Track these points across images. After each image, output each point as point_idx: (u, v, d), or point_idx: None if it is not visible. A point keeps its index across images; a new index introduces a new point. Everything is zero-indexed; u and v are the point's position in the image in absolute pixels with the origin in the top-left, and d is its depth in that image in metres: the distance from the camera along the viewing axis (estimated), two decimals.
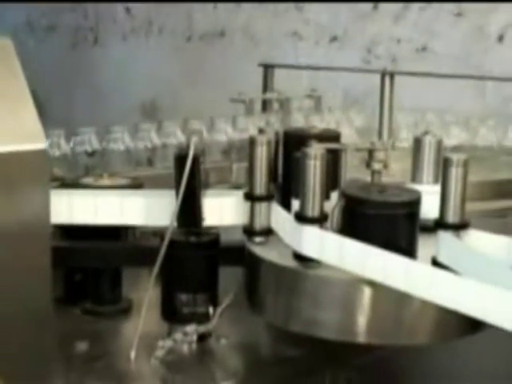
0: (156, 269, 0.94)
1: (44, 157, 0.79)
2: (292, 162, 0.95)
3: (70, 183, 1.04)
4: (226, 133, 1.25)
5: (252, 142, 0.96)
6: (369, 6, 1.69)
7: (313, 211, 0.89)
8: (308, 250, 0.89)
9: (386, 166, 0.98)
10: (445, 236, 0.89)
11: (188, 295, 0.97)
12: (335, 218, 0.92)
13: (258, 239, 0.97)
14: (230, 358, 0.99)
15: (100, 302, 1.07)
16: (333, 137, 1.03)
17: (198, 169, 0.93)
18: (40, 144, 0.79)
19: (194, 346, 0.98)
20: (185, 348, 0.98)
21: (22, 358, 0.82)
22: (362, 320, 0.89)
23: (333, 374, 1.01)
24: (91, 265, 1.03)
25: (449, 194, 0.89)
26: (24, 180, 0.77)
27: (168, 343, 0.96)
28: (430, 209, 0.92)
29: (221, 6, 1.89)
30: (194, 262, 0.97)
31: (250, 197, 0.96)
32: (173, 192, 0.95)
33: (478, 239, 0.91)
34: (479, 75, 1.28)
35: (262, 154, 0.96)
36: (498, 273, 0.82)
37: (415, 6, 1.65)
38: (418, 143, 1.03)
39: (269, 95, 1.33)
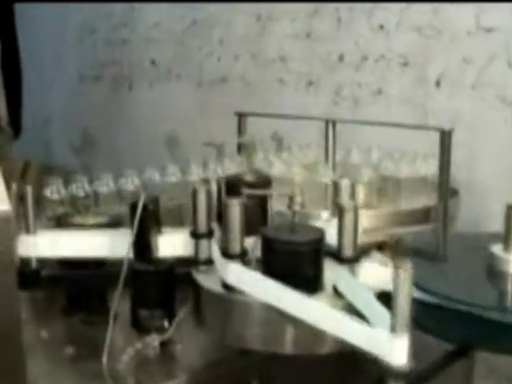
0: (119, 291, 0.94)
1: (7, 216, 0.78)
2: None
3: (61, 222, 1.05)
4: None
5: (194, 192, 0.95)
6: (336, 58, 1.67)
7: (234, 249, 0.89)
8: (230, 281, 0.88)
9: (303, 207, 0.96)
10: (341, 269, 0.88)
11: (148, 311, 0.98)
12: (256, 251, 0.92)
13: (201, 268, 0.96)
14: (183, 359, 0.99)
15: (91, 313, 1.08)
16: (263, 183, 1.02)
17: (148, 215, 0.93)
18: (5, 206, 0.78)
19: (157, 349, 0.99)
20: (150, 351, 0.99)
21: None
22: (274, 335, 0.88)
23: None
24: (77, 288, 1.04)
25: (343, 234, 0.88)
26: None
27: (131, 351, 0.97)
28: None
29: (223, 58, 1.89)
30: (151, 286, 0.98)
31: (194, 234, 0.96)
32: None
33: (368, 269, 0.89)
34: (397, 123, 1.24)
35: (202, 202, 0.95)
36: (368, 303, 0.81)
37: (371, 58, 1.62)
38: (335, 185, 1.02)
39: (238, 140, 1.31)
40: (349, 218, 0.87)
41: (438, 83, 1.54)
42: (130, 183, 1.13)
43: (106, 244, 0.98)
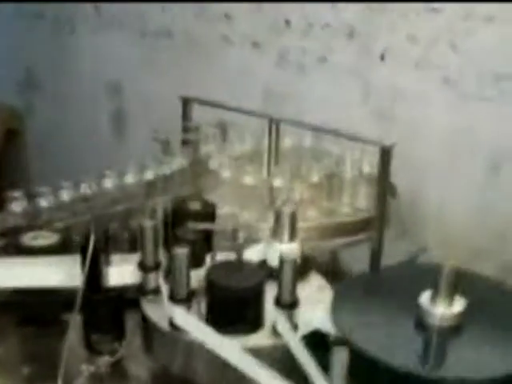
0: (72, 318, 0.99)
1: None
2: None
3: (9, 244, 1.07)
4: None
5: (142, 229, 0.99)
6: (283, 22, 1.65)
7: (180, 294, 0.94)
8: (176, 322, 0.94)
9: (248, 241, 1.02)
10: (278, 313, 0.94)
11: (99, 335, 1.03)
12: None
13: (149, 297, 1.02)
14: (134, 374, 1.06)
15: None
16: (209, 214, 1.06)
17: (98, 251, 0.97)
18: None
19: (110, 368, 1.05)
20: (102, 371, 1.05)
21: None
22: (218, 372, 0.94)
23: None
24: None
25: (282, 281, 0.93)
26: None
27: (85, 371, 1.03)
28: None
29: (168, 10, 1.84)
30: (102, 313, 1.02)
31: (142, 267, 1.01)
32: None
33: (305, 312, 0.96)
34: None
35: (149, 238, 0.99)
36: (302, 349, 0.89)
37: (318, 25, 1.61)
38: (278, 213, 1.06)
39: (183, 136, 1.32)
40: (288, 268, 0.92)
41: (382, 57, 1.55)
42: (68, 194, 1.15)
43: (58, 273, 1.01)
